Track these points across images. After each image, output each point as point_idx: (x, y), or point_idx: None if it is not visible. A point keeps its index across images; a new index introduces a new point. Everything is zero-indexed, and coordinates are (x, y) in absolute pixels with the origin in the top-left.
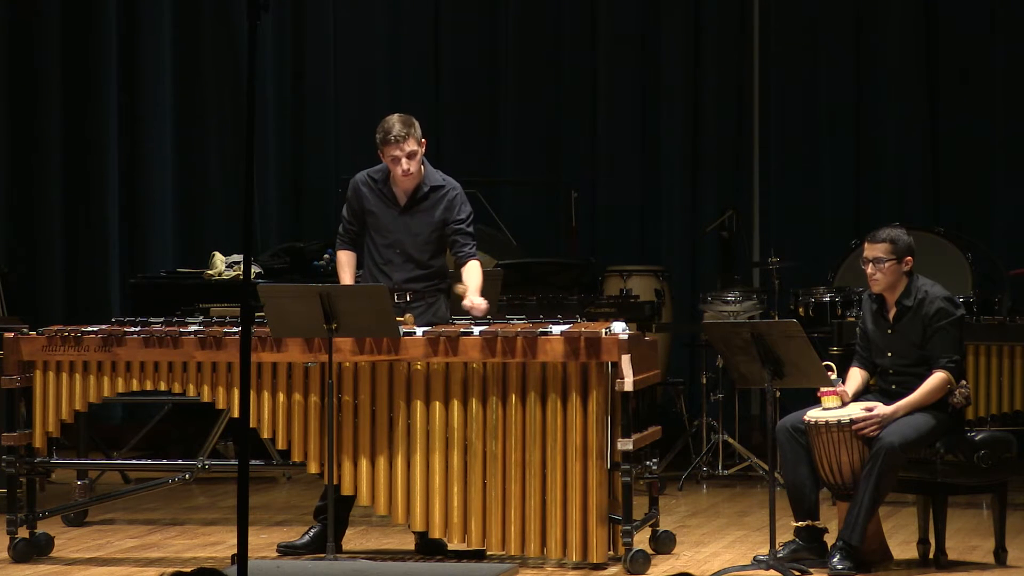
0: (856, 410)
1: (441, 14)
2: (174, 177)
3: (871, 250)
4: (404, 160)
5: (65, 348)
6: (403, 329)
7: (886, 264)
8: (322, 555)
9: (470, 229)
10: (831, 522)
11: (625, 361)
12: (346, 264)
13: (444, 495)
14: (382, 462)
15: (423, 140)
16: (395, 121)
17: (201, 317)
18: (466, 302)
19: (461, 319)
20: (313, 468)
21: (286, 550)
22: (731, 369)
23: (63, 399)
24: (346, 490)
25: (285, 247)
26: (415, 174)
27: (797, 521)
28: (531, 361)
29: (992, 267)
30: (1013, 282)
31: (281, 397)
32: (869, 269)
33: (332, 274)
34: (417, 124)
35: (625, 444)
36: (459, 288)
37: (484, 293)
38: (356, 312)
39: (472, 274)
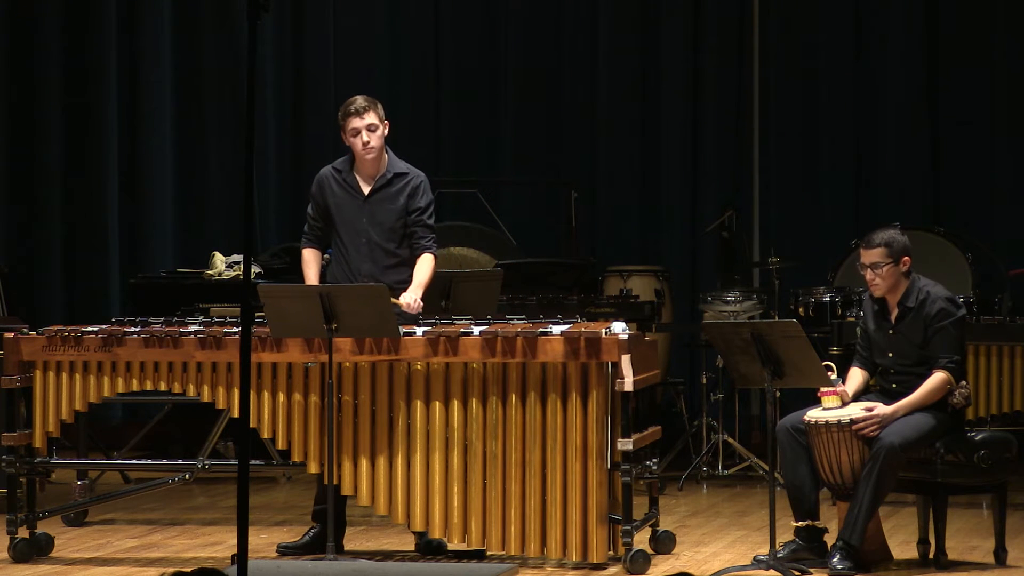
0: (856, 410)
1: (441, 14)
2: (174, 177)
3: (867, 256)
4: (365, 132)
5: (65, 348)
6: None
7: (884, 268)
8: (322, 555)
9: (430, 221)
10: (831, 522)
11: (625, 361)
12: (311, 261)
13: (444, 495)
14: (382, 462)
15: (386, 122)
16: (357, 97)
17: (201, 317)
18: (401, 298)
19: (461, 319)
20: (313, 468)
21: (286, 551)
22: (731, 369)
23: (63, 399)
24: (346, 490)
25: (285, 247)
26: (377, 151)
27: (797, 521)
28: (531, 361)
29: (992, 267)
30: (1013, 282)
31: (281, 397)
32: (868, 275)
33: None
34: (381, 106)
35: (625, 444)
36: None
37: (485, 293)
38: (356, 312)
39: (421, 267)
